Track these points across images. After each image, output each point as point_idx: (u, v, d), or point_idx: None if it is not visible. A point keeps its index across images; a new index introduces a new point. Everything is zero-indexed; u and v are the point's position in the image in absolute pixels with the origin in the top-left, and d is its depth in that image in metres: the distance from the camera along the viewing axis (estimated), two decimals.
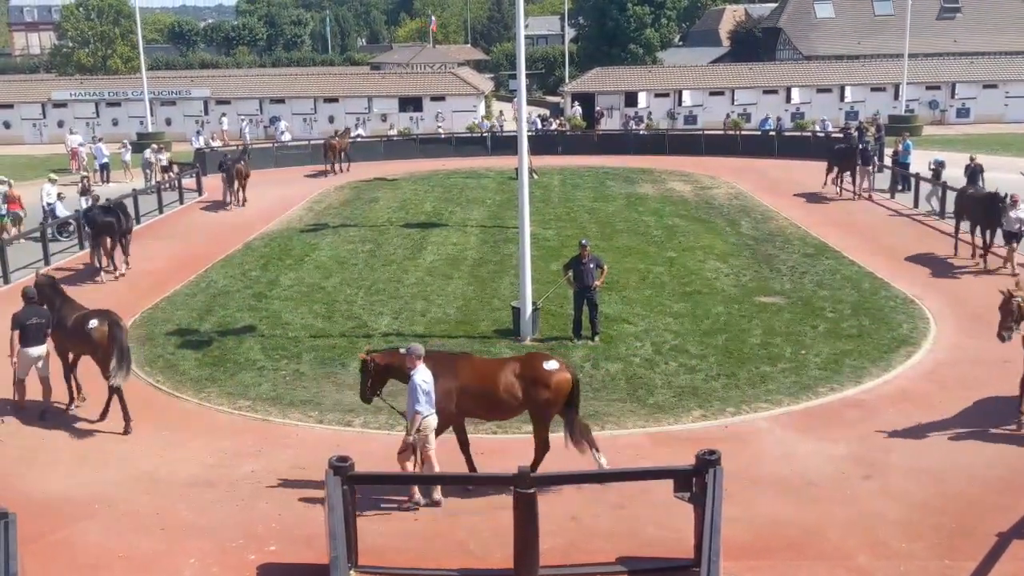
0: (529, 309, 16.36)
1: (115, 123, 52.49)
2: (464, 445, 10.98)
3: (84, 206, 26.75)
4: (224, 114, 51.31)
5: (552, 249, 22.76)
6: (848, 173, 30.21)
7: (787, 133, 42.89)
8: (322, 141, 39.38)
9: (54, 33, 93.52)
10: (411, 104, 53.78)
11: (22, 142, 51.81)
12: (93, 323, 12.87)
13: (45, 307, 13.49)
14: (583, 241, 16.75)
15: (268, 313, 18.28)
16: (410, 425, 10.20)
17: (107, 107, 53.69)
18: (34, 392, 13.37)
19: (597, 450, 10.71)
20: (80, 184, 28.10)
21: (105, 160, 36.71)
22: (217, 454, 11.91)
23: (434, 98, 53.82)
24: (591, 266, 16.18)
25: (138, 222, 27.64)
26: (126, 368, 12.65)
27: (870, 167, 30.39)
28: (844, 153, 30.41)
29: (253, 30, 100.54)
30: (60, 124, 51.25)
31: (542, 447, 10.73)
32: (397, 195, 31.94)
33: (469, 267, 21.71)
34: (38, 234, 23.52)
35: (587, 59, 68.40)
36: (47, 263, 22.15)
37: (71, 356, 13.56)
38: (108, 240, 21.62)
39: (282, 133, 44.46)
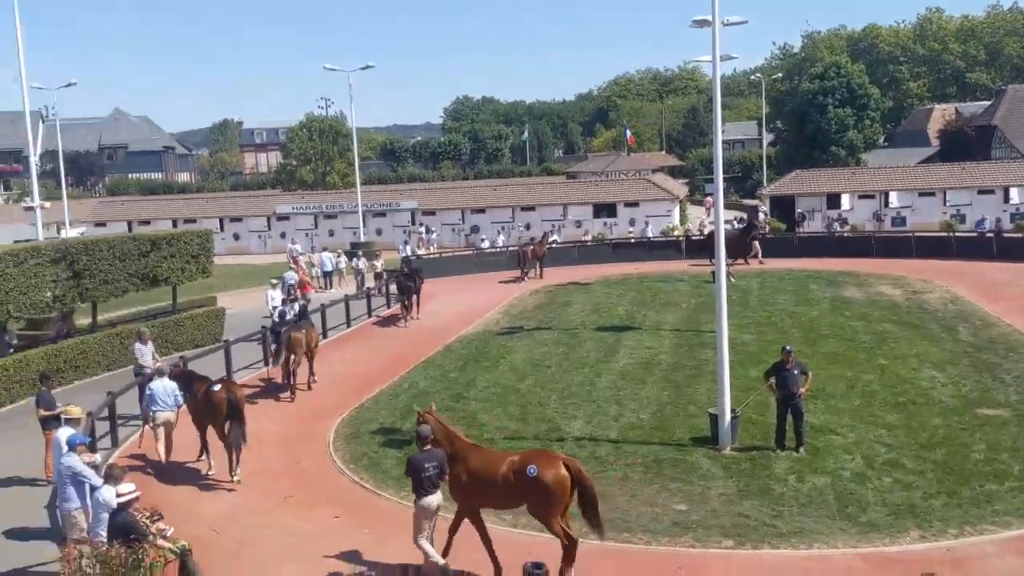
0: (728, 416, 15.85)
1: (331, 234, 56.34)
2: None
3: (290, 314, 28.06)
4: (421, 223, 54.16)
5: (751, 354, 22.08)
6: None
7: (1007, 235, 40.18)
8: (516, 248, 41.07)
9: (280, 153, 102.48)
10: (605, 210, 54.70)
11: (248, 252, 56.54)
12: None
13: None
14: (787, 347, 16.18)
15: (465, 414, 18.64)
16: None
17: (324, 219, 57.82)
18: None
19: None
20: (289, 294, 29.75)
21: (328, 269, 39.49)
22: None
23: (628, 203, 54.47)
24: (795, 372, 15.55)
25: (348, 326, 29.20)
26: None
27: None
28: None
29: (458, 145, 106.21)
30: (283, 235, 55.58)
31: None
32: (590, 299, 32.17)
33: (664, 371, 21.37)
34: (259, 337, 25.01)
35: (785, 162, 67.47)
36: (266, 364, 23.45)
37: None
38: (407, 297, 28.91)
39: (483, 241, 46.17)
